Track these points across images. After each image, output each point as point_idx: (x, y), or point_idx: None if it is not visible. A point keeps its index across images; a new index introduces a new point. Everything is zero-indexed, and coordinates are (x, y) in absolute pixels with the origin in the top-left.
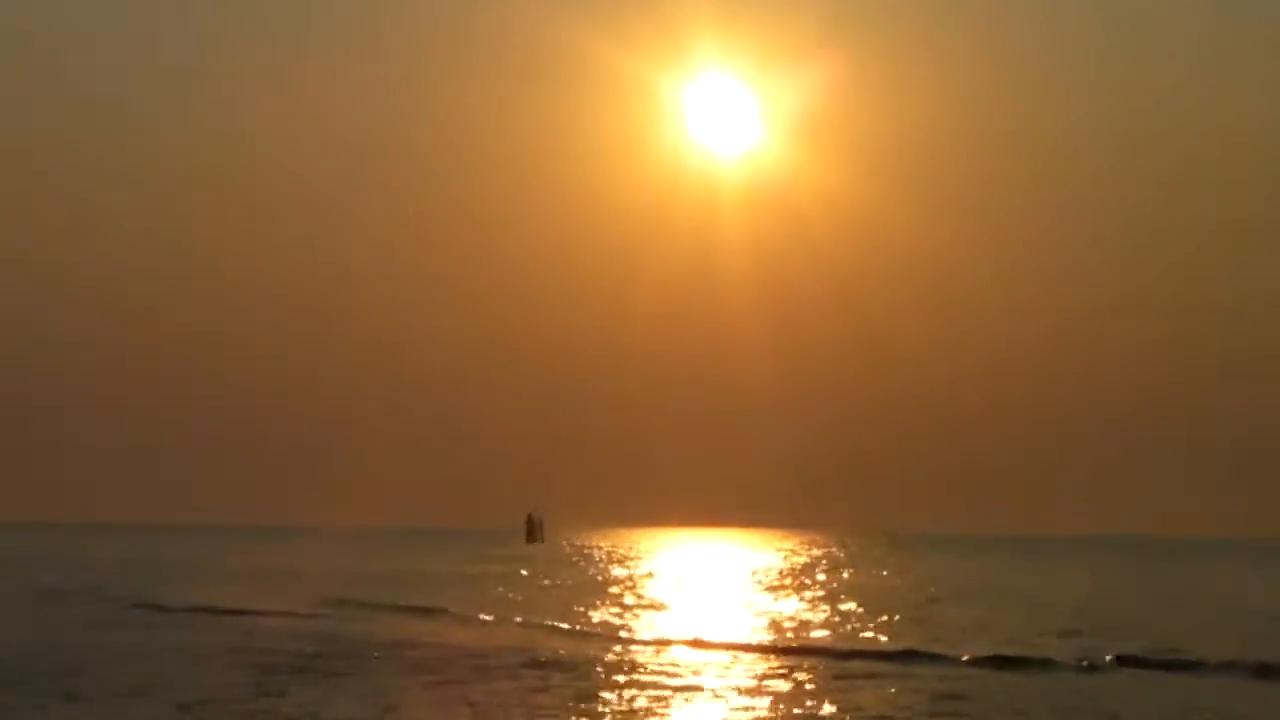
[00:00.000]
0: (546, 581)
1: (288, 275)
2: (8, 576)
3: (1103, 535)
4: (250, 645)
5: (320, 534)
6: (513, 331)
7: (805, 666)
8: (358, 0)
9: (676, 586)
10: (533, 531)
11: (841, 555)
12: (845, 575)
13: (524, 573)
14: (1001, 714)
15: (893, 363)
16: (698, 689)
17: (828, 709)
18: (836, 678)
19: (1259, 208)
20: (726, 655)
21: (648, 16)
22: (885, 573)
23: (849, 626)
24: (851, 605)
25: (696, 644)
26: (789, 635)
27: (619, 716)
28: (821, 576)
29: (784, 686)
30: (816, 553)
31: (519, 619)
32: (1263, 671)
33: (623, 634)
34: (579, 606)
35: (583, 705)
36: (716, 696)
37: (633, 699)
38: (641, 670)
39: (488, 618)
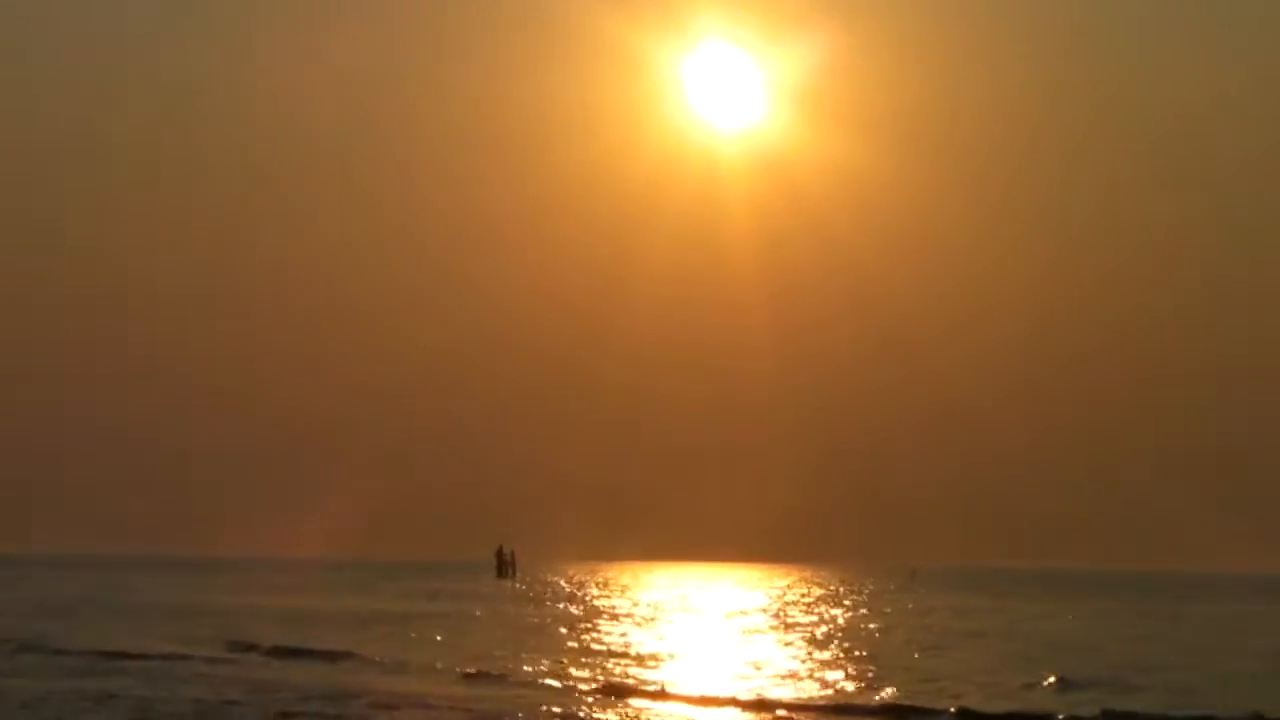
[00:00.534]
0: (492, 621)
1: (265, 276)
2: None
3: (1144, 571)
4: (126, 691)
5: (270, 568)
6: (497, 337)
7: None
8: None
9: (639, 628)
10: (503, 566)
11: (843, 592)
12: (838, 615)
13: (477, 613)
14: None
15: (901, 350)
16: None
17: None
18: None
19: None
20: (653, 705)
21: None
22: (887, 611)
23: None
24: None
25: (608, 690)
26: (722, 685)
27: None
28: (806, 617)
29: None
30: (816, 591)
31: (438, 665)
32: None
33: (541, 682)
34: (508, 651)
35: None
36: None
37: None
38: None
39: (396, 662)
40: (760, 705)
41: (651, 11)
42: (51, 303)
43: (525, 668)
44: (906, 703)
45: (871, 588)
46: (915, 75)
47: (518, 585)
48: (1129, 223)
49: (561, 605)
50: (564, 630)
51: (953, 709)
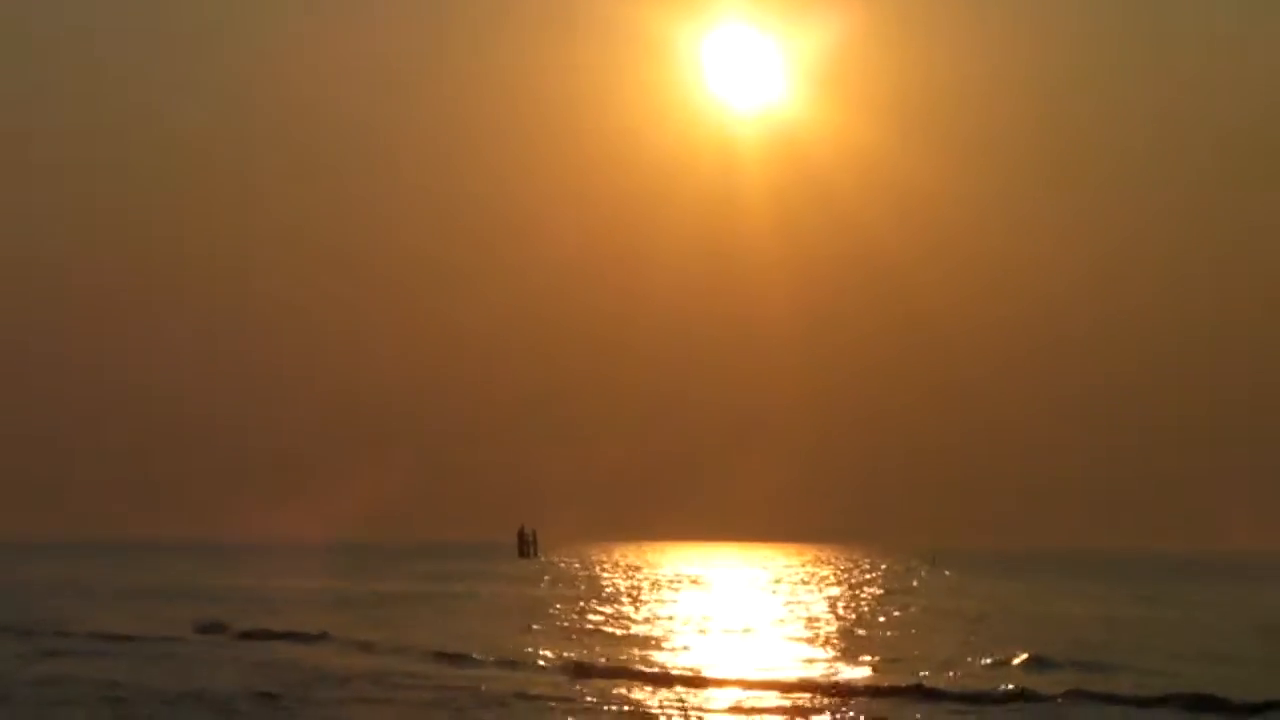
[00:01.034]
0: (492, 601)
1: (271, 262)
2: None
3: (1173, 553)
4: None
5: (288, 552)
6: (518, 318)
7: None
8: None
9: (635, 607)
10: (525, 547)
11: (851, 571)
12: (835, 593)
13: (481, 593)
14: None
15: (922, 331)
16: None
17: None
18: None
19: None
20: (607, 683)
21: None
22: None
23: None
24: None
25: (580, 670)
26: (686, 665)
27: None
28: (802, 595)
29: None
30: (824, 569)
31: (407, 644)
32: (1199, 704)
33: (505, 660)
34: (490, 630)
35: None
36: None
37: None
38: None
39: (366, 641)
40: (708, 682)
41: None
42: (66, 285)
43: (505, 646)
44: (854, 679)
45: (884, 567)
46: (935, 57)
47: (540, 562)
48: (1143, 200)
49: (562, 585)
50: (557, 608)
51: (902, 685)
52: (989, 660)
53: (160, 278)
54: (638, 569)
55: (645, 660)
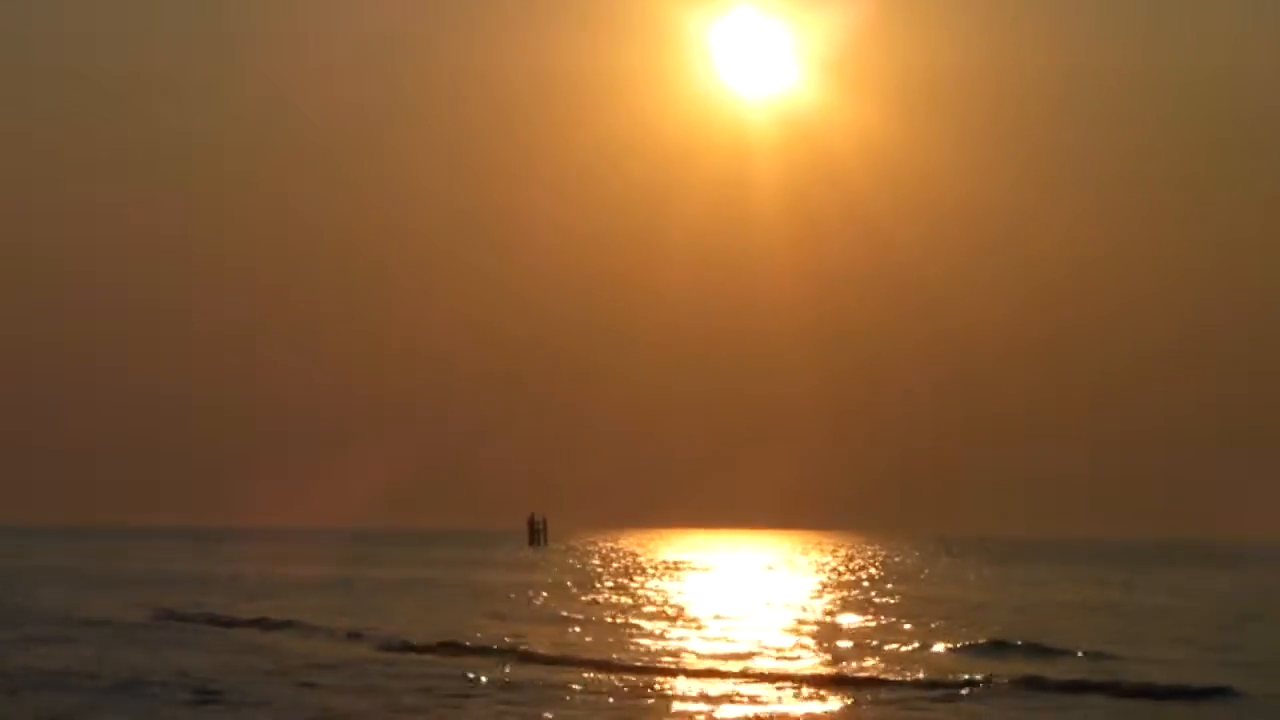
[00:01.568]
0: (477, 588)
1: (280, 254)
2: None
3: (1187, 540)
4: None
5: (298, 537)
6: (530, 306)
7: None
8: None
9: (617, 593)
10: (535, 534)
11: (847, 556)
12: (818, 579)
13: (471, 580)
14: None
15: (934, 319)
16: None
17: None
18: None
19: None
20: (540, 670)
21: None
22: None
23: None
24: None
25: (526, 656)
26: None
27: None
28: (788, 580)
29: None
30: (820, 555)
31: (365, 631)
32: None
33: (450, 643)
34: (461, 618)
35: None
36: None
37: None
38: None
39: (330, 629)
40: (653, 670)
41: None
42: (83, 271)
43: (477, 633)
44: (789, 669)
45: (884, 553)
46: (946, 43)
47: (548, 550)
48: (1156, 186)
49: (556, 572)
50: (541, 596)
51: (823, 674)
52: (943, 647)
53: (169, 273)
54: (640, 556)
55: (601, 648)
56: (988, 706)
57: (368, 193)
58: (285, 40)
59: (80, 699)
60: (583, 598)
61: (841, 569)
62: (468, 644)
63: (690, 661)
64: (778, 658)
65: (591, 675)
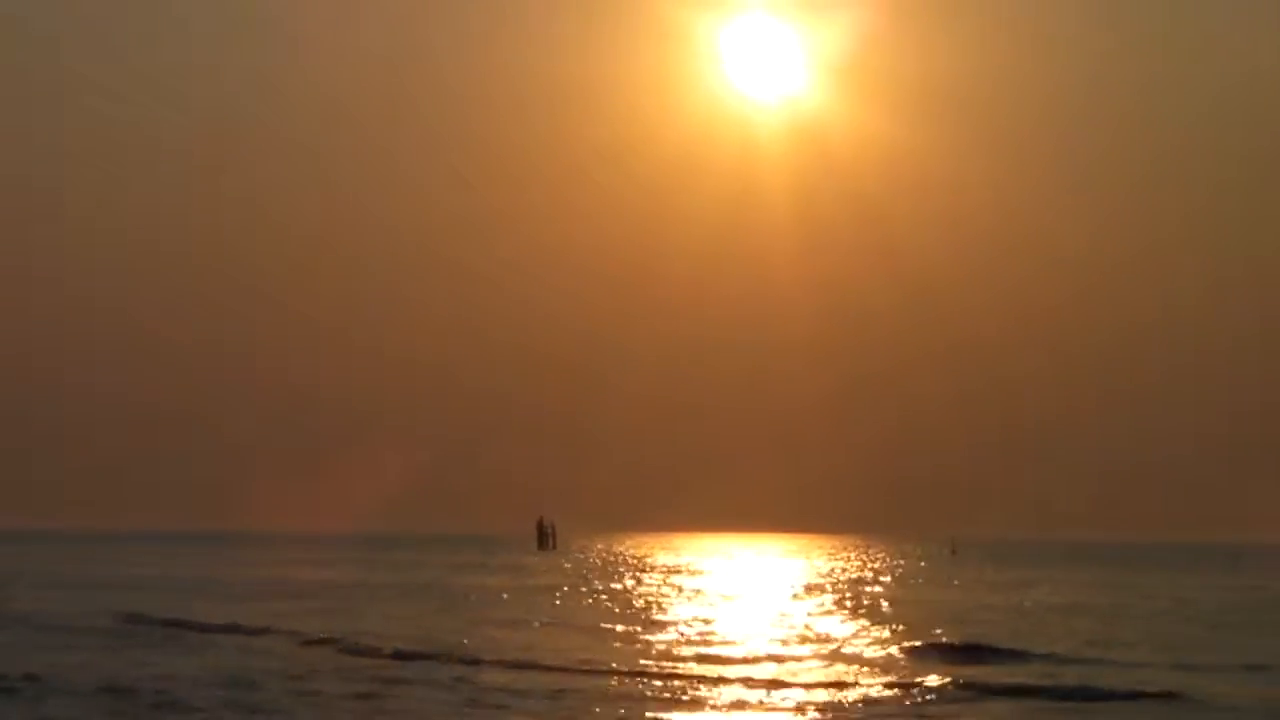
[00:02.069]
0: (462, 593)
1: (280, 259)
2: None
3: (1206, 544)
4: None
5: (304, 542)
6: (534, 309)
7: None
8: None
9: (596, 599)
10: (544, 538)
11: (841, 559)
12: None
13: (459, 583)
14: None
15: (943, 325)
16: None
17: None
18: None
19: None
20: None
21: None
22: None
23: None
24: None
25: (473, 663)
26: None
27: None
28: (759, 584)
29: None
30: (811, 559)
31: (336, 638)
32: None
33: (400, 650)
34: (430, 622)
35: None
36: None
37: None
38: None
39: (298, 634)
40: (574, 671)
41: None
42: (83, 273)
43: (447, 638)
44: (686, 670)
45: (887, 556)
46: (957, 48)
47: (555, 554)
48: (1172, 193)
49: (554, 575)
50: (515, 599)
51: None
52: (886, 649)
53: (170, 274)
54: (643, 560)
55: (551, 651)
56: (902, 709)
57: (370, 197)
58: (286, 41)
59: None
60: (563, 602)
61: (837, 572)
62: (430, 650)
63: (620, 665)
64: (691, 661)
65: (530, 678)
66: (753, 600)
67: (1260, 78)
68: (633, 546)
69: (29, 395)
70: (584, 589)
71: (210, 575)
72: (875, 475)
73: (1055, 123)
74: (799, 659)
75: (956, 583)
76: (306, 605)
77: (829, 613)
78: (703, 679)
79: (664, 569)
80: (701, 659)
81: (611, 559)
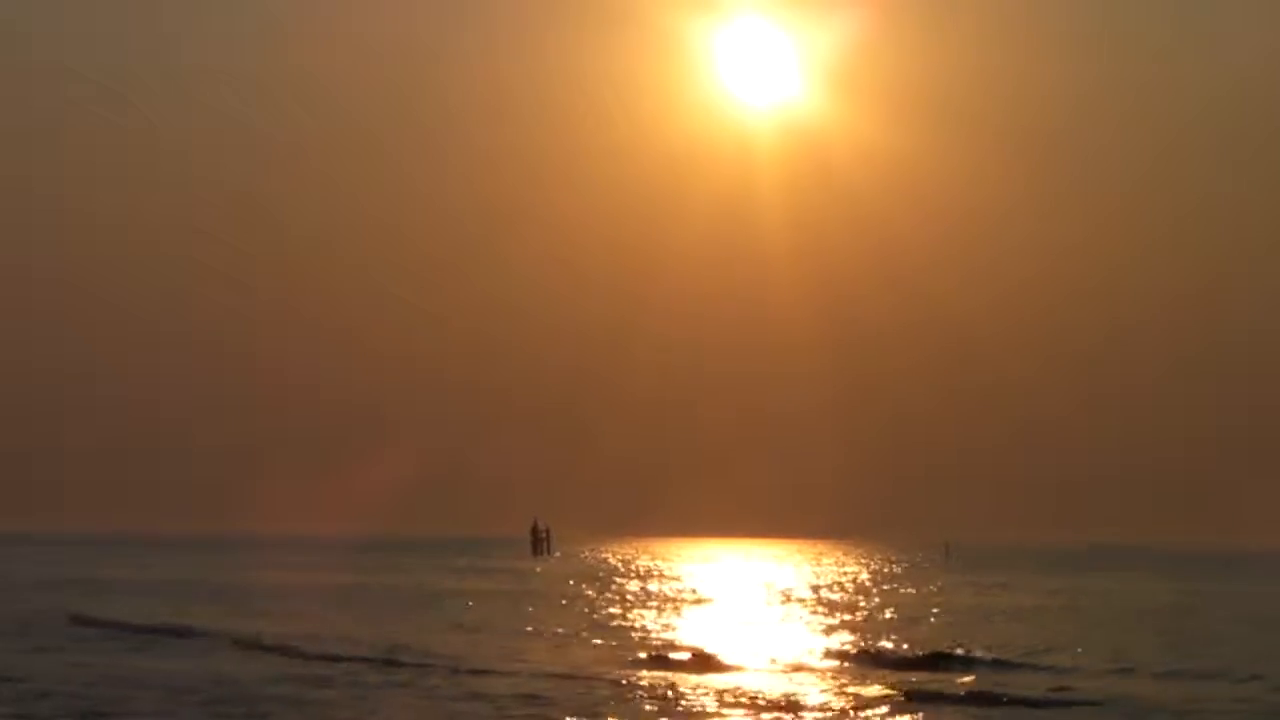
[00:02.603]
0: (424, 595)
1: (278, 264)
2: None
3: (1202, 548)
4: None
5: (297, 546)
6: (531, 313)
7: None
8: None
9: (561, 605)
10: (539, 542)
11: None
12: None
13: (453, 585)
14: None
15: (937, 327)
16: None
17: None
18: None
19: None
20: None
21: None
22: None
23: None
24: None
25: (390, 663)
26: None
27: None
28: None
29: None
30: (794, 562)
31: (265, 640)
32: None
33: (321, 652)
34: (374, 625)
35: None
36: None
37: None
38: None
39: (239, 636)
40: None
41: None
42: (87, 275)
43: (379, 641)
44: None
45: (877, 559)
46: (950, 53)
47: (546, 559)
48: (1166, 196)
49: (523, 580)
50: (483, 604)
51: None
52: (827, 661)
53: (169, 277)
54: (630, 565)
55: (483, 655)
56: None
57: (370, 198)
58: (286, 43)
59: None
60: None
61: (822, 576)
62: (353, 652)
63: (549, 668)
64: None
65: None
66: (719, 606)
67: (1257, 79)
68: (626, 552)
69: (29, 395)
70: (557, 595)
71: (180, 578)
72: (872, 479)
73: (1049, 127)
74: (728, 668)
75: (935, 588)
76: (260, 608)
77: (788, 617)
78: (636, 685)
79: (646, 573)
80: (637, 664)
81: (599, 564)
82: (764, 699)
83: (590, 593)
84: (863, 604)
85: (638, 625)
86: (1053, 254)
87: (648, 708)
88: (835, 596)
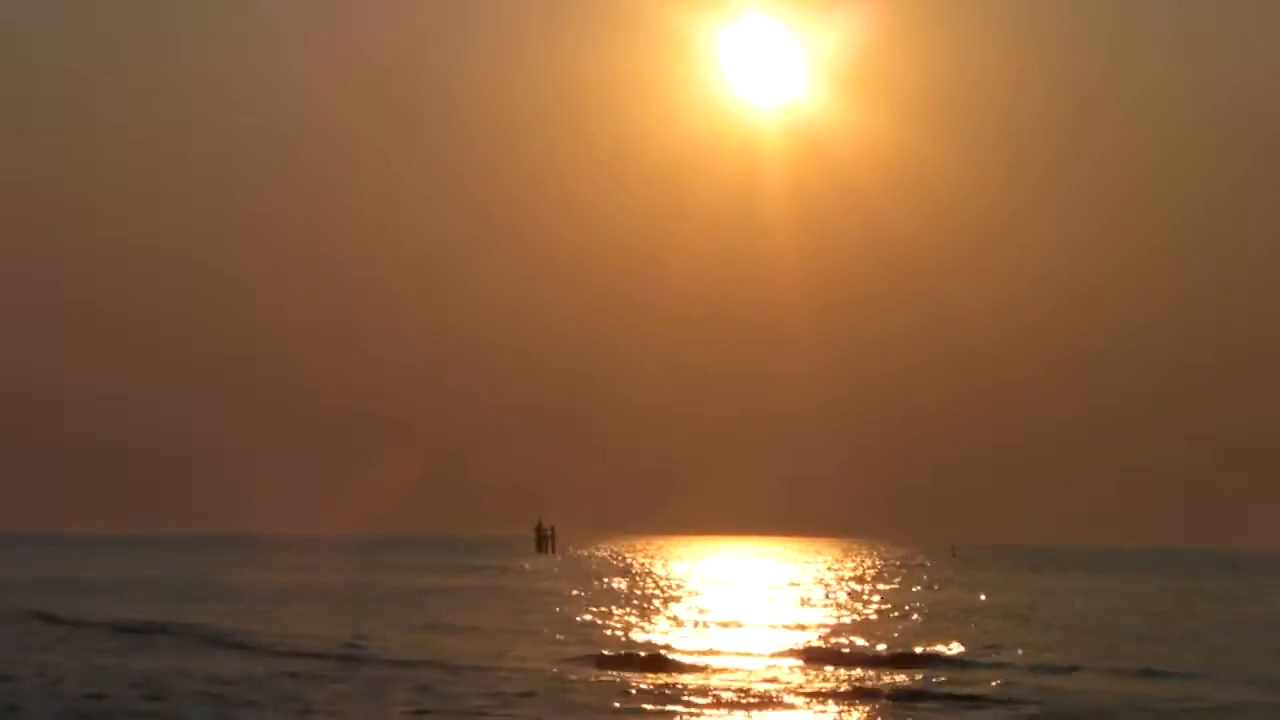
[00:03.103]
0: (411, 593)
1: (279, 267)
2: None
3: (1202, 550)
4: None
5: (299, 546)
6: (534, 314)
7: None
8: None
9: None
10: (543, 541)
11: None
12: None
13: (445, 583)
14: None
15: (943, 328)
16: None
17: None
18: None
19: None
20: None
21: None
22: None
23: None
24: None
25: (348, 660)
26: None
27: None
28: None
29: None
30: (795, 561)
31: (229, 637)
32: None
33: (284, 649)
34: (349, 624)
35: None
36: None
37: None
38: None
39: (200, 634)
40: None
41: None
42: (88, 280)
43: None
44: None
45: (873, 560)
46: (955, 52)
47: (549, 558)
48: (1170, 197)
49: (519, 578)
50: (468, 602)
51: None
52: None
53: (168, 278)
54: (629, 564)
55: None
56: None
57: (369, 199)
58: (287, 43)
59: None
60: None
61: (817, 575)
62: (310, 648)
63: (509, 664)
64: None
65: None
66: (699, 605)
67: (1265, 82)
68: (629, 550)
69: (29, 395)
70: (542, 591)
71: (166, 576)
72: (877, 478)
73: (1053, 126)
74: (677, 666)
75: (933, 586)
76: (235, 607)
77: (767, 616)
78: (598, 682)
79: (640, 571)
80: (603, 662)
81: (598, 562)
82: (689, 698)
83: (576, 591)
84: (847, 602)
85: (606, 623)
86: (1059, 255)
87: (550, 702)
88: (821, 594)
